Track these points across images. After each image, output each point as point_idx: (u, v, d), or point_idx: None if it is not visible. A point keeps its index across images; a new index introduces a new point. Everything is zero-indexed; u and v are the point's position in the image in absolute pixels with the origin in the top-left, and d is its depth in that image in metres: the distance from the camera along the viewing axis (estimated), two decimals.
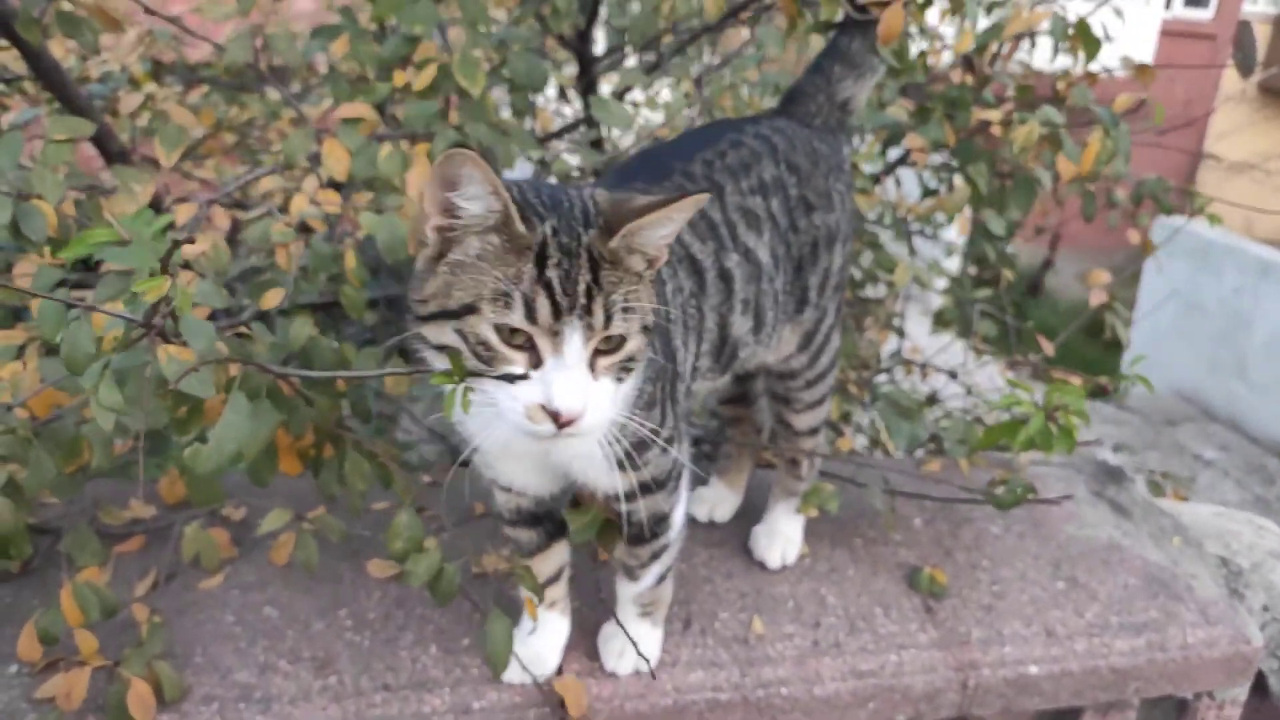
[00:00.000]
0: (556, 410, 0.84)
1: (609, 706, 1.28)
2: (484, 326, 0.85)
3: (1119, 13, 2.05)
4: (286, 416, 0.99)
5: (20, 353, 1.36)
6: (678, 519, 1.24)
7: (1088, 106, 1.86)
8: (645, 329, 0.91)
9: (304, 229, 1.53)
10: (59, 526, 1.43)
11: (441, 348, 0.90)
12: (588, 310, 0.85)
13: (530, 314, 0.84)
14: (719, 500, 1.64)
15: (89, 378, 0.86)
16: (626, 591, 1.27)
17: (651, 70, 2.29)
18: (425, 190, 0.87)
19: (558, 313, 0.84)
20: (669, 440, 1.13)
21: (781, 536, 1.54)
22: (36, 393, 1.12)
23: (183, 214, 1.39)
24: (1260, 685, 1.61)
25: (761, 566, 1.53)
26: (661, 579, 1.28)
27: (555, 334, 0.85)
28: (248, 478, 1.19)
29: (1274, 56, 13.04)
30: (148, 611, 1.27)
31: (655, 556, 1.24)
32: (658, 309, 0.95)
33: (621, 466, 1.05)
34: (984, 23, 2.07)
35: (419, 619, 1.36)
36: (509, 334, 0.85)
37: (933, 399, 2.56)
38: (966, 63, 1.89)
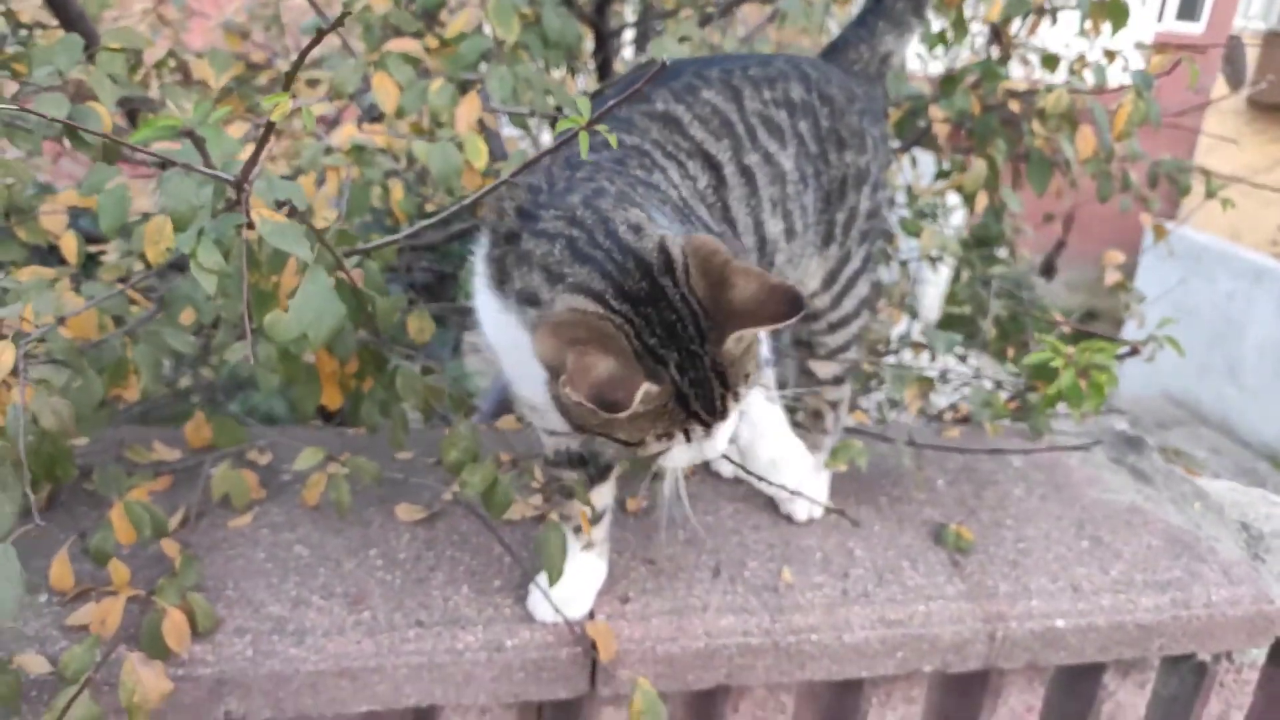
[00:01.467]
0: (710, 462, 1.01)
1: (640, 648, 1.27)
2: (650, 449, 0.97)
3: None
4: (352, 309, 0.98)
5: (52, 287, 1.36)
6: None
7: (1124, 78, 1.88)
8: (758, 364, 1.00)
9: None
10: (85, 465, 1.41)
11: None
12: (724, 412, 0.96)
13: (689, 438, 0.97)
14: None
15: (186, 240, 0.86)
16: (819, 444, 1.38)
17: (704, 24, 2.28)
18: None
19: (707, 425, 0.96)
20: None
21: (808, 490, 1.54)
22: (80, 310, 1.11)
23: (235, 132, 1.39)
24: (1275, 651, 1.62)
25: (789, 520, 1.54)
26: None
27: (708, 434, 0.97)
28: (291, 408, 1.18)
29: (1263, 71, 13.20)
30: (178, 546, 1.26)
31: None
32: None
33: None
34: None
35: (449, 560, 1.36)
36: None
37: (944, 377, 2.57)
38: (994, 32, 1.91)
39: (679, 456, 0.99)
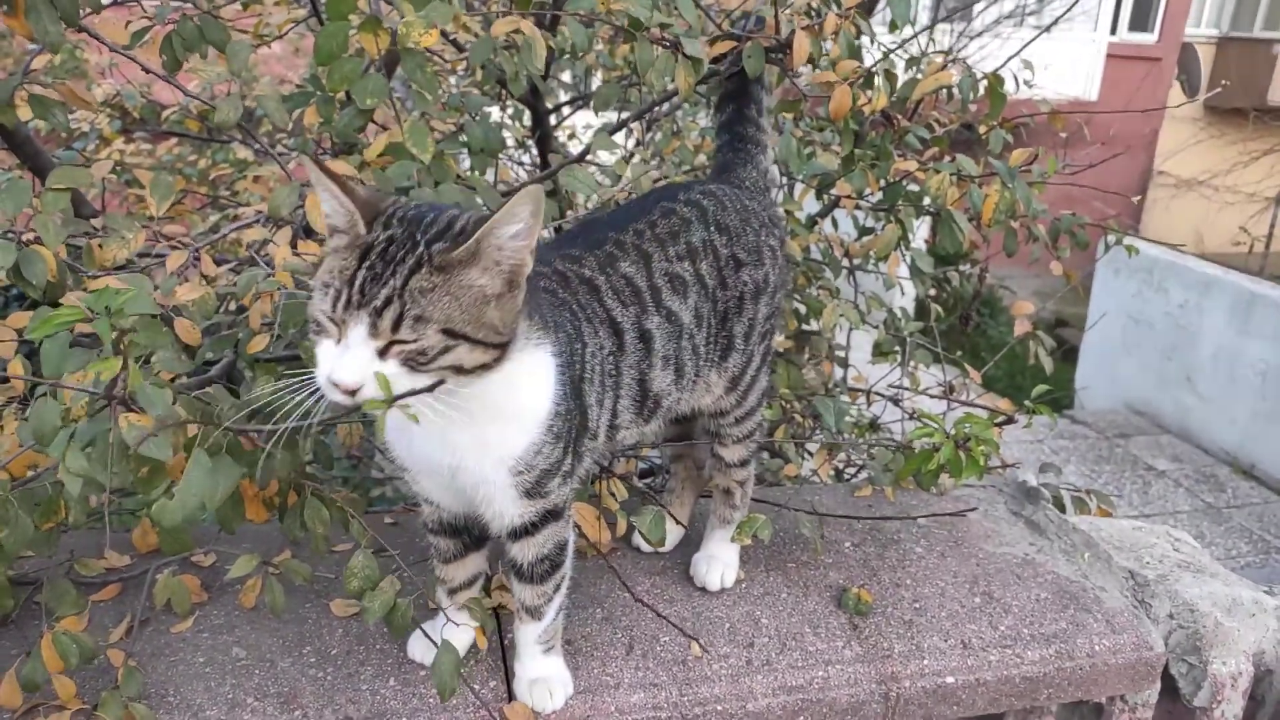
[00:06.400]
0: (334, 380, 1.01)
1: None
2: (313, 308, 1.05)
3: (1027, 64, 2.23)
4: (247, 470, 1.09)
5: None
6: (571, 545, 1.38)
7: (999, 152, 2.02)
8: (453, 334, 1.03)
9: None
10: (37, 578, 1.51)
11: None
12: (378, 312, 1.00)
13: (334, 305, 1.02)
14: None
15: (56, 447, 0.97)
16: (530, 633, 1.37)
17: (614, 132, 2.44)
18: None
19: (348, 306, 1.01)
20: (567, 474, 1.28)
21: (720, 562, 1.65)
22: (14, 457, 1.22)
23: (173, 261, 1.50)
24: (1172, 688, 1.74)
25: (701, 591, 1.65)
26: (560, 610, 1.39)
27: (343, 323, 1.02)
28: (218, 525, 1.29)
29: (1218, 77, 13.55)
30: (123, 656, 1.36)
31: (558, 588, 1.36)
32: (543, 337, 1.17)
33: (529, 495, 1.23)
34: (909, 74, 2.23)
35: (379, 653, 1.46)
36: (325, 318, 1.03)
37: (874, 424, 2.69)
38: (885, 117, 2.04)
39: (320, 364, 1.02)
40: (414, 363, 1.02)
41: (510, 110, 3.54)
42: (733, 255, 1.48)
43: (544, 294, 1.28)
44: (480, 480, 1.23)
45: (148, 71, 1.51)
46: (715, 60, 1.79)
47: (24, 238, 1.44)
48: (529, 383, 1.19)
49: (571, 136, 3.95)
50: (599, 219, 1.49)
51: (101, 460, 0.97)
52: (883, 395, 2.86)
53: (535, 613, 1.36)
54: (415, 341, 1.01)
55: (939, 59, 2.15)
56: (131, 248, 1.52)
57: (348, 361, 1.00)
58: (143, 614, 1.49)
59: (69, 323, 0.95)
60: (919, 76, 2.07)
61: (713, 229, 1.46)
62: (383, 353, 1.02)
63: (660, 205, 1.44)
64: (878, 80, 1.77)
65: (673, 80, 1.67)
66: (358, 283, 1.01)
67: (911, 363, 2.62)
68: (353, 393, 1.01)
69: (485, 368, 1.07)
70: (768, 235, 1.55)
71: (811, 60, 1.82)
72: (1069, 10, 3.27)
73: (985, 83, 2.03)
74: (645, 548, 1.75)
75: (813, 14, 1.87)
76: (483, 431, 1.18)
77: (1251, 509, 5.90)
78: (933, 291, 2.80)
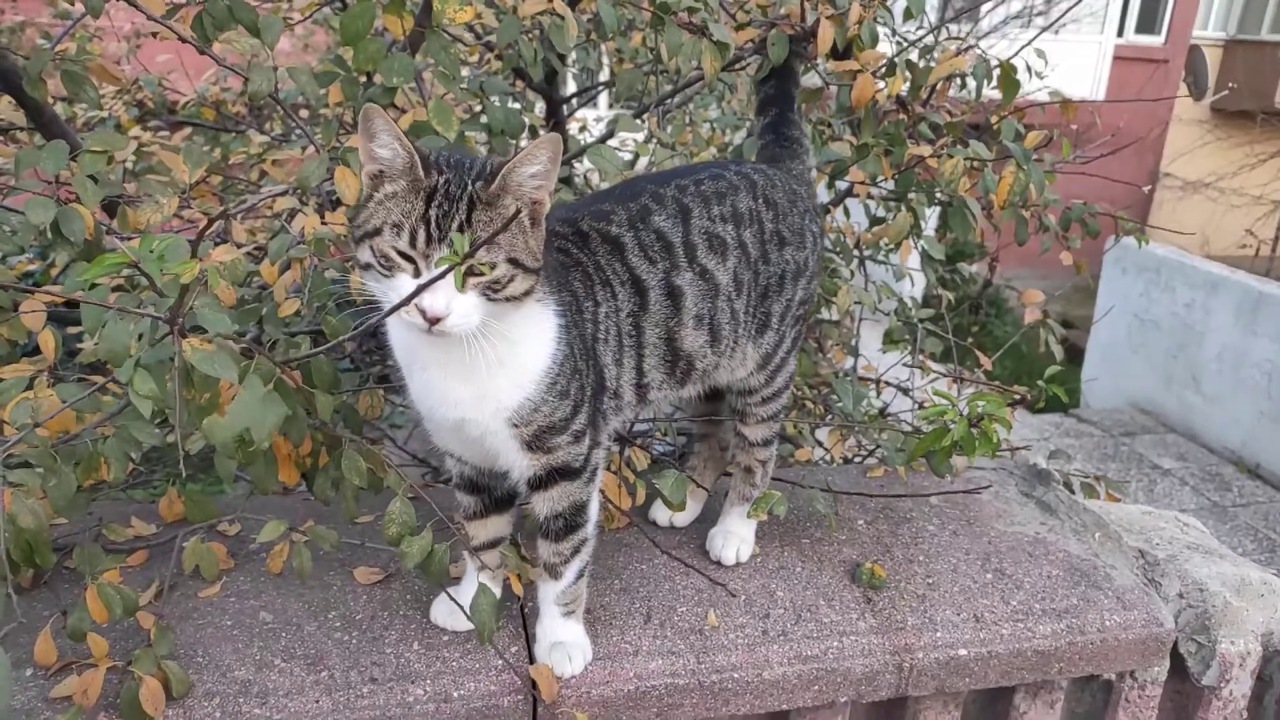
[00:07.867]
0: (423, 309, 1.10)
1: (576, 693, 1.40)
2: (386, 246, 1.13)
3: (1040, 53, 2.25)
4: (291, 410, 1.12)
5: (30, 384, 1.49)
6: (593, 511, 1.39)
7: (1012, 141, 2.04)
8: (515, 263, 1.15)
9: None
10: (66, 544, 1.54)
11: (366, 267, 1.16)
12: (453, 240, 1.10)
13: (413, 242, 1.12)
14: None
15: (124, 371, 1.00)
16: (549, 591, 1.40)
17: (637, 116, 2.47)
18: (359, 144, 1.16)
19: (430, 241, 1.11)
20: (579, 434, 1.31)
21: (736, 537, 1.68)
22: (55, 413, 1.25)
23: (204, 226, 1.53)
24: (1181, 667, 1.76)
25: (718, 564, 1.67)
26: (580, 574, 1.41)
27: (428, 256, 1.12)
28: (249, 491, 1.32)
29: (1225, 79, 13.55)
30: (153, 618, 1.39)
31: (576, 551, 1.38)
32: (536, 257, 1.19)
33: (531, 448, 1.27)
34: (922, 63, 2.26)
35: (403, 619, 1.49)
36: (401, 254, 1.13)
37: (884, 412, 2.71)
38: (899, 103, 2.06)
39: (405, 291, 1.10)
40: (489, 293, 1.13)
41: (521, 105, 3.57)
42: (777, 231, 1.51)
43: (556, 254, 1.31)
44: (485, 431, 1.28)
45: (184, 41, 1.53)
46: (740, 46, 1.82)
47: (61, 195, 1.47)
48: (528, 337, 1.24)
49: (583, 129, 3.98)
50: (644, 176, 1.52)
51: (166, 389, 1.00)
52: (892, 384, 2.89)
53: (553, 571, 1.39)
54: (491, 270, 1.11)
55: (953, 45, 2.17)
56: (165, 212, 1.55)
57: (436, 290, 1.09)
58: (170, 579, 1.51)
59: (119, 265, 0.98)
60: (933, 64, 2.09)
61: (760, 201, 1.49)
62: (461, 285, 1.10)
63: (710, 170, 1.47)
64: (899, 69, 1.79)
65: (698, 64, 1.69)
66: (434, 219, 1.11)
67: (922, 351, 2.64)
68: (436, 321, 1.11)
69: (525, 296, 1.17)
70: (810, 221, 1.58)
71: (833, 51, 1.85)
72: (1071, 9, 3.29)
73: (998, 71, 2.06)
74: (662, 521, 1.77)
75: (836, 3, 1.89)
76: (481, 386, 1.23)
77: (1257, 507, 5.91)
78: (940, 292, 2.82)
